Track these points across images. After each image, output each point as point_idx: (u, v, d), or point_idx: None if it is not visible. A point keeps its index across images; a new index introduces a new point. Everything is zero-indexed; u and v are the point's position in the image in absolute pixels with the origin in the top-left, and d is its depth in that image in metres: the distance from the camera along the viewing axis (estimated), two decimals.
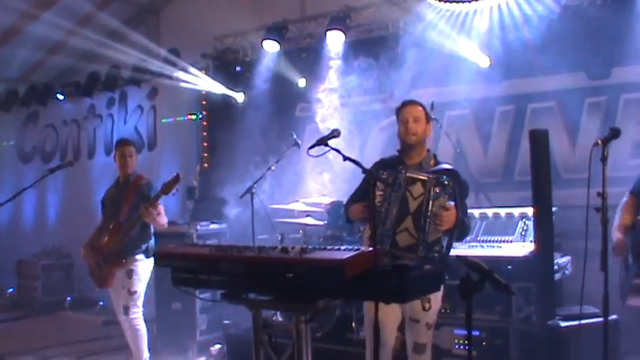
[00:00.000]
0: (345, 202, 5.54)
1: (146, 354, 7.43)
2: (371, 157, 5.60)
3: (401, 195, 4.94)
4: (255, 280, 4.16)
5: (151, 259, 7.22)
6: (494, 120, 8.84)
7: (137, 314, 7.32)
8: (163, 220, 7.36)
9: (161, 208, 7.31)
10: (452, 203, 4.91)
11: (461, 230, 5.04)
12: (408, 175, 4.96)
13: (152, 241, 7.44)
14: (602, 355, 4.59)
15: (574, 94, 8.14)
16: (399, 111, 5.38)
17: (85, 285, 11.43)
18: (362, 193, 5.08)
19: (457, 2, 8.52)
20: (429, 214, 4.83)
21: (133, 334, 7.34)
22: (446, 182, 4.90)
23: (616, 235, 5.16)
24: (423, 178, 4.92)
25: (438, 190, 4.87)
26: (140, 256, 7.27)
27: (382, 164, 5.35)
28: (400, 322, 5.24)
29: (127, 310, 7.27)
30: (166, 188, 7.04)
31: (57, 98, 13.92)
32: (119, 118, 13.53)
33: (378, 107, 9.35)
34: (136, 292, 7.26)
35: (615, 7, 7.72)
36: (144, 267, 7.30)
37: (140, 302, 7.34)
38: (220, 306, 8.67)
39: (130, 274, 7.24)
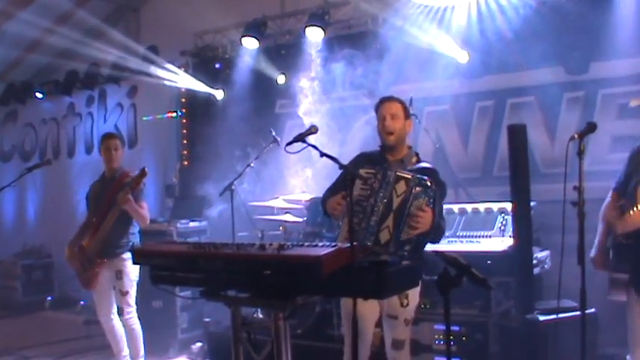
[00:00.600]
0: (322, 196, 5.47)
1: (142, 352, 7.38)
2: (351, 153, 5.57)
3: (389, 193, 4.91)
4: (234, 278, 4.13)
5: None
6: (474, 115, 8.86)
7: (132, 314, 7.24)
8: (145, 212, 7.20)
9: (144, 203, 7.22)
10: (430, 206, 4.90)
11: (435, 233, 5.02)
12: (397, 173, 4.93)
13: (137, 239, 7.33)
14: (580, 348, 4.61)
15: (553, 89, 8.17)
16: (377, 108, 5.36)
17: (72, 286, 11.34)
18: (340, 188, 5.04)
19: None
20: (407, 212, 4.82)
21: (130, 334, 7.25)
22: (428, 183, 4.88)
23: (592, 252, 5.15)
24: (407, 176, 4.90)
25: (418, 190, 4.85)
26: (127, 255, 7.13)
27: (365, 158, 5.30)
28: (378, 318, 5.24)
29: (121, 311, 7.20)
30: (134, 183, 6.94)
31: (36, 97, 13.87)
32: (99, 116, 13.46)
33: (358, 103, 9.34)
34: (127, 292, 7.17)
35: (593, 2, 7.76)
36: (131, 265, 7.15)
37: (133, 301, 7.24)
38: (201, 304, 8.66)
39: (119, 274, 7.13)
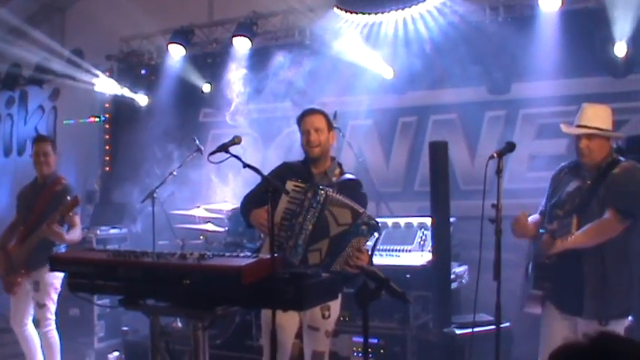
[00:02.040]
0: (241, 203, 5.37)
1: None
2: (274, 163, 5.57)
3: (318, 212, 4.85)
4: (154, 287, 4.09)
5: None
6: (397, 130, 8.99)
7: (50, 326, 6.99)
8: (75, 234, 6.88)
9: (77, 219, 6.91)
10: (368, 250, 4.91)
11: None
12: (330, 195, 4.87)
13: (60, 249, 6.92)
14: None
15: (475, 107, 8.35)
16: (299, 120, 5.30)
17: None
18: (261, 197, 4.97)
19: (363, 13, 8.63)
20: (346, 245, 4.78)
21: (47, 347, 7.00)
22: (375, 224, 4.87)
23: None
24: (357, 209, 4.84)
25: (364, 229, 4.82)
26: (46, 267, 6.90)
27: (288, 169, 5.25)
28: (298, 329, 5.24)
29: (39, 323, 6.98)
30: (64, 210, 6.66)
31: None
32: (19, 118, 13.18)
33: (283, 114, 9.37)
34: (45, 305, 6.91)
35: (516, 25, 7.95)
36: (52, 277, 6.83)
37: (52, 314, 6.98)
38: (119, 312, 8.53)
39: (36, 286, 6.88)
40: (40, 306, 6.95)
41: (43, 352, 7.15)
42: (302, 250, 4.84)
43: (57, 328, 7.12)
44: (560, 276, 4.80)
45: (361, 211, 4.86)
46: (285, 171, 5.22)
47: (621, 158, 4.94)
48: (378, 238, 4.95)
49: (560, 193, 4.99)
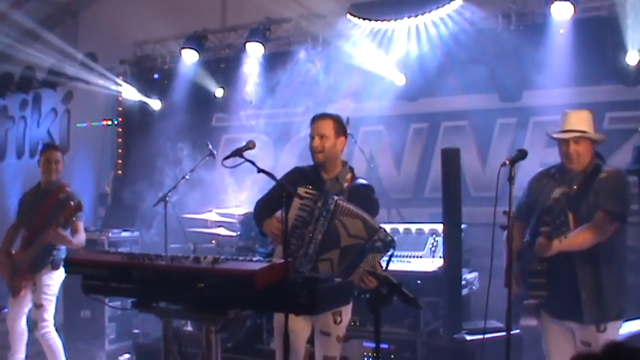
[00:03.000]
0: (255, 208, 5.39)
1: None
2: (286, 168, 5.60)
3: (328, 221, 4.88)
4: (167, 289, 4.13)
5: (60, 270, 6.98)
6: (408, 137, 9.01)
7: (48, 328, 7.02)
8: (80, 239, 6.98)
9: (80, 225, 6.99)
10: (384, 263, 4.94)
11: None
12: (341, 204, 4.90)
13: (60, 252, 7.06)
14: None
15: (486, 114, 8.37)
16: (311, 124, 5.34)
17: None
18: (274, 202, 4.96)
19: (376, 20, 8.66)
20: (362, 263, 4.82)
21: (46, 348, 7.10)
22: (391, 240, 4.90)
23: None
24: (373, 225, 4.89)
25: (379, 245, 4.86)
26: (47, 269, 6.97)
27: (300, 174, 5.28)
28: (310, 334, 5.27)
29: (35, 324, 7.02)
30: (67, 214, 6.75)
31: None
32: (32, 120, 13.21)
33: (295, 120, 9.39)
34: (42, 305, 6.97)
35: (528, 33, 7.98)
36: (49, 279, 6.99)
37: (49, 315, 7.03)
38: (130, 315, 8.57)
39: (33, 286, 6.99)
40: (37, 306, 7.01)
41: None
42: (312, 259, 4.88)
43: (67, 330, 7.14)
44: (553, 282, 4.81)
45: (377, 227, 4.90)
46: (296, 176, 5.25)
47: (600, 163, 5.00)
48: (392, 253, 4.95)
49: (543, 199, 5.00)
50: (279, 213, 4.79)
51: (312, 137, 5.26)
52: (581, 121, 4.94)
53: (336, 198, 4.93)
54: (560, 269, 4.76)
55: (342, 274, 4.78)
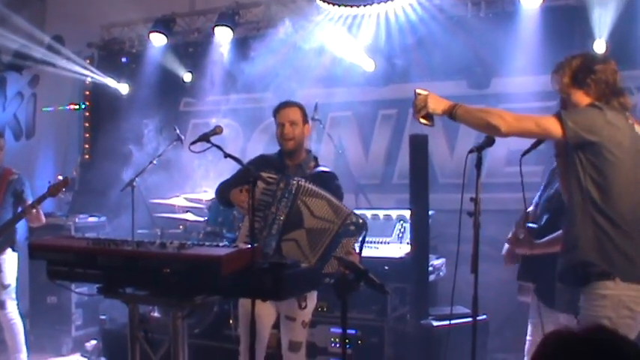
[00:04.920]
0: (218, 190, 5.40)
1: (24, 349, 7.22)
2: (254, 153, 5.61)
3: (291, 202, 4.92)
4: (133, 275, 4.12)
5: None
6: (376, 123, 9.01)
7: (13, 307, 7.14)
8: (43, 217, 7.21)
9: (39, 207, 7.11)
10: (356, 250, 5.00)
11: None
12: (303, 185, 4.95)
13: (17, 234, 7.25)
14: (470, 353, 4.74)
15: (455, 101, 8.33)
16: (275, 113, 5.35)
17: None
18: (240, 183, 4.96)
19: (345, 6, 8.63)
20: (338, 248, 4.87)
21: (9, 329, 7.12)
22: (363, 222, 4.98)
23: (505, 246, 5.36)
24: (343, 209, 4.96)
25: (353, 229, 4.93)
26: (7, 250, 7.10)
27: (264, 161, 5.29)
28: (275, 319, 5.28)
29: (3, 304, 7.08)
30: (53, 190, 6.83)
31: None
32: None
33: (264, 105, 9.34)
34: (9, 285, 7.09)
35: (497, 20, 8.00)
36: (12, 259, 7.13)
37: (14, 294, 7.14)
38: (97, 301, 8.50)
39: None
40: (5, 286, 7.08)
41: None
42: (275, 239, 4.91)
43: (33, 316, 7.16)
44: (541, 269, 4.86)
45: (347, 210, 4.95)
46: (261, 163, 5.25)
47: None
48: (365, 236, 4.98)
49: (552, 187, 5.04)
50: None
51: (281, 125, 5.26)
52: None
53: (297, 179, 4.98)
54: (548, 257, 4.77)
55: (319, 262, 4.82)
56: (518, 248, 5.06)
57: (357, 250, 5.04)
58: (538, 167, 5.30)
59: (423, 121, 4.43)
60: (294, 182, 4.94)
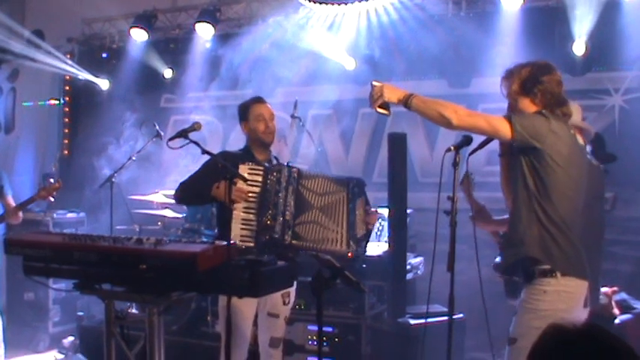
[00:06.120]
0: (182, 185, 5.25)
1: (1, 345, 7.16)
2: (235, 149, 5.58)
3: (295, 188, 4.95)
4: (109, 271, 4.09)
5: None
6: (357, 121, 9.02)
7: None
8: (21, 216, 7.19)
9: (11, 199, 7.12)
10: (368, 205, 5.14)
11: None
12: (302, 170, 5.05)
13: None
14: (447, 352, 4.76)
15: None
16: (250, 108, 5.33)
17: None
18: (203, 180, 4.96)
19: (327, 4, 8.64)
20: (356, 211, 5.01)
21: None
22: (361, 180, 5.18)
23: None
24: (341, 179, 5.11)
25: (357, 190, 5.06)
26: None
27: (232, 158, 5.04)
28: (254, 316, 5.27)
29: None
30: (44, 192, 6.76)
31: None
32: None
33: (243, 102, 9.33)
34: None
35: (478, 20, 8.07)
36: None
37: None
38: (74, 297, 8.48)
39: None
40: None
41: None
42: (290, 224, 4.91)
43: (10, 313, 7.10)
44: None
45: (345, 179, 5.14)
46: (228, 159, 5.10)
47: None
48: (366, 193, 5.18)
49: None
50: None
51: (262, 119, 5.24)
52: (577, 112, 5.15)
53: (292, 166, 5.06)
54: None
55: (350, 234, 4.96)
56: (477, 221, 5.14)
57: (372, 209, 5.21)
58: None
59: (380, 110, 4.51)
60: (295, 169, 5.01)
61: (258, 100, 5.41)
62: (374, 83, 4.50)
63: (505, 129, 4.10)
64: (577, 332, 2.01)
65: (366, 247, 5.18)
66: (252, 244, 4.76)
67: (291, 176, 4.97)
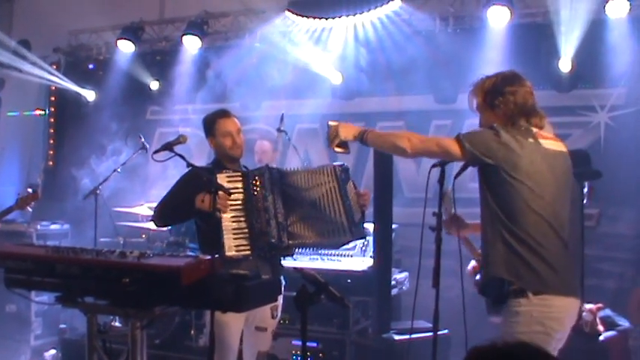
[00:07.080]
0: (160, 205, 5.24)
1: None
2: None
3: (280, 189, 4.93)
4: (92, 284, 4.05)
5: None
6: None
7: None
8: None
9: None
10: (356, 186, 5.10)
11: None
12: (282, 170, 5.05)
13: None
14: None
15: (422, 115, 8.43)
16: (216, 123, 5.15)
17: None
18: (182, 196, 4.90)
19: (314, 18, 8.66)
20: (349, 196, 4.93)
21: None
22: (344, 165, 5.08)
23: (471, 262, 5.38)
24: (324, 168, 5.05)
25: (343, 176, 4.98)
26: None
27: (205, 172, 4.88)
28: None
29: None
30: (22, 202, 6.71)
31: None
32: None
33: None
34: None
35: (464, 36, 8.09)
36: None
37: None
38: (57, 310, 8.40)
39: None
40: None
41: None
42: (284, 226, 4.89)
43: None
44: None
45: (329, 165, 5.11)
46: (194, 178, 4.89)
47: None
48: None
49: None
50: None
51: (229, 135, 5.09)
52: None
53: (269, 167, 5.04)
54: None
55: (347, 218, 4.87)
56: (449, 227, 5.04)
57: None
58: None
59: (337, 149, 4.60)
60: (275, 170, 5.02)
61: (224, 114, 5.23)
62: (330, 123, 4.59)
63: (455, 149, 4.07)
64: (502, 352, 2.00)
65: (364, 227, 5.19)
66: (249, 253, 4.74)
67: (274, 177, 4.95)
